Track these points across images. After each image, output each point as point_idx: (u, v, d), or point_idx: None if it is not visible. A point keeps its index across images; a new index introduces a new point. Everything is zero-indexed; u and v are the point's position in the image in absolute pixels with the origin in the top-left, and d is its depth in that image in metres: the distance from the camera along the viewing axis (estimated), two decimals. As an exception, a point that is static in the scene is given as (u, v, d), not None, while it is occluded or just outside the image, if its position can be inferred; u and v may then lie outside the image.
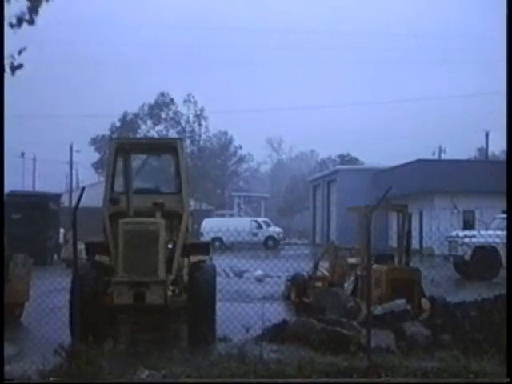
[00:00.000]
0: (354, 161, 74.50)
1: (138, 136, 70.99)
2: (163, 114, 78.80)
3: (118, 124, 76.82)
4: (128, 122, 77.14)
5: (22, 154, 69.70)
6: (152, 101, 77.73)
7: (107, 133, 74.21)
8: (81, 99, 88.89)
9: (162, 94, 77.94)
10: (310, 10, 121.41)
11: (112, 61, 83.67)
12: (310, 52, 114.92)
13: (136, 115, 77.90)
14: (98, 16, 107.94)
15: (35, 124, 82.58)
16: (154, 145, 12.80)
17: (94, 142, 76.79)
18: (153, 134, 75.90)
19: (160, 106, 78.44)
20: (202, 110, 78.48)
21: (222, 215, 63.14)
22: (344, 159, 75.96)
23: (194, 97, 78.11)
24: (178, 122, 79.19)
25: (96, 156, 75.89)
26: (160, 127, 78.43)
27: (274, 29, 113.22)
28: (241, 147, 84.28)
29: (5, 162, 9.23)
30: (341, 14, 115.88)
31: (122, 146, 10.97)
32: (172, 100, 78.26)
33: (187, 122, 79.09)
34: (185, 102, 78.27)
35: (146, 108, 78.02)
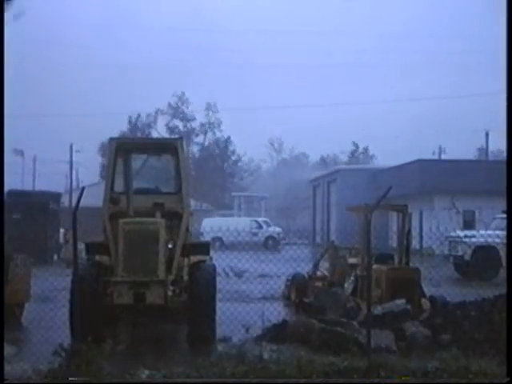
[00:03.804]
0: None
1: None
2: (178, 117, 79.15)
3: (128, 126, 76.83)
4: (139, 124, 77.23)
5: (22, 153, 69.47)
6: (167, 103, 78.13)
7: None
8: (88, 100, 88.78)
9: (182, 95, 78.26)
10: (313, 10, 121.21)
11: (121, 64, 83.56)
12: (309, 53, 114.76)
13: (149, 116, 77.98)
14: (113, 19, 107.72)
15: (36, 123, 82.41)
16: (154, 145, 12.82)
17: (102, 147, 76.55)
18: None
19: (178, 108, 78.75)
20: (219, 122, 79.14)
21: (222, 215, 63.11)
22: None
23: (215, 105, 78.52)
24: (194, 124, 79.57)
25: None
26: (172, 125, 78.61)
27: (276, 30, 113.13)
28: (234, 152, 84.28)
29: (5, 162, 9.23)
30: (341, 15, 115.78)
31: (122, 146, 10.98)
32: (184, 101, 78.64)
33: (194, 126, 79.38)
34: (207, 108, 78.64)
35: (164, 109, 78.11)
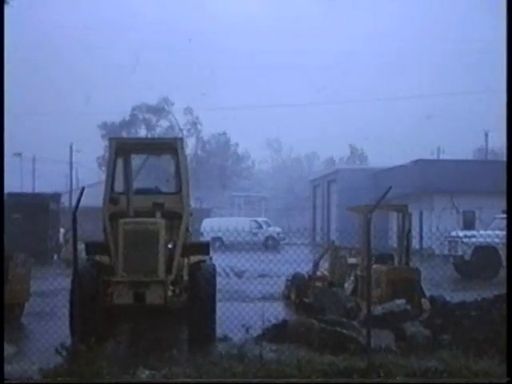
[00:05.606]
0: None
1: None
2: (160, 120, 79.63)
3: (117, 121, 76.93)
4: (127, 122, 77.36)
5: (20, 155, 69.34)
6: (152, 103, 78.18)
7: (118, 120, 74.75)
8: (81, 99, 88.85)
9: (165, 100, 78.49)
10: (312, 12, 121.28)
11: (119, 63, 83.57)
12: (309, 55, 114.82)
13: (134, 115, 78.15)
14: (110, 19, 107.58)
15: (36, 123, 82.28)
16: (154, 145, 12.82)
17: (104, 126, 76.18)
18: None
19: (160, 111, 79.06)
20: (197, 118, 79.97)
21: (222, 215, 63.11)
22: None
23: (191, 108, 79.22)
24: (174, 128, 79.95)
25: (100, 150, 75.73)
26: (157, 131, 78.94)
27: (275, 31, 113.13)
28: (237, 145, 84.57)
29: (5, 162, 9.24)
30: (342, 17, 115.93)
31: (122, 146, 10.98)
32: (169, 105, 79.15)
33: (180, 129, 79.90)
34: (184, 110, 79.28)
35: (144, 109, 78.28)
